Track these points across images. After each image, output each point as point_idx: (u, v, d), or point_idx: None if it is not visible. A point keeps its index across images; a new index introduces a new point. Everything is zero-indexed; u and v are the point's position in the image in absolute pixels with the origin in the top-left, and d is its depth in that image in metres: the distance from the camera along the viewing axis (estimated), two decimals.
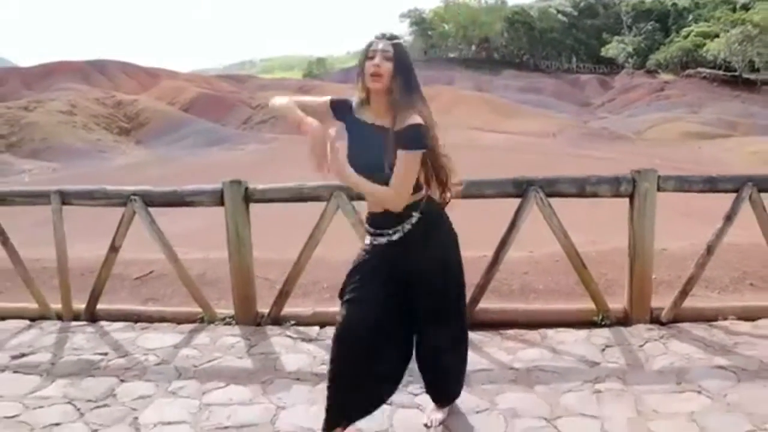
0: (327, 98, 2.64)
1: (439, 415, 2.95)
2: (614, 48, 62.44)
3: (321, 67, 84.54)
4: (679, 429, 2.85)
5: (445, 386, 2.93)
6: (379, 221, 2.60)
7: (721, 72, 47.77)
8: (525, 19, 69.28)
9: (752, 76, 47.13)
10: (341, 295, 2.72)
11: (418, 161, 2.44)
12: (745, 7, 53.52)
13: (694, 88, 44.04)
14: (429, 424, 2.91)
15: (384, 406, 2.91)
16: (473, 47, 74.62)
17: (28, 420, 3.17)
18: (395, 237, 2.57)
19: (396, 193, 2.44)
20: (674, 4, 63.91)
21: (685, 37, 55.26)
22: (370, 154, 2.44)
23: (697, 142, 23.61)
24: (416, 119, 2.39)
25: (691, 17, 60.55)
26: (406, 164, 2.40)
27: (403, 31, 76.31)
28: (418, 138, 2.40)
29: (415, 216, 2.55)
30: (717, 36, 48.94)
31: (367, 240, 2.71)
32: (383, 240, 2.60)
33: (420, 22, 76.26)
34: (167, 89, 38.02)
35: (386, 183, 2.43)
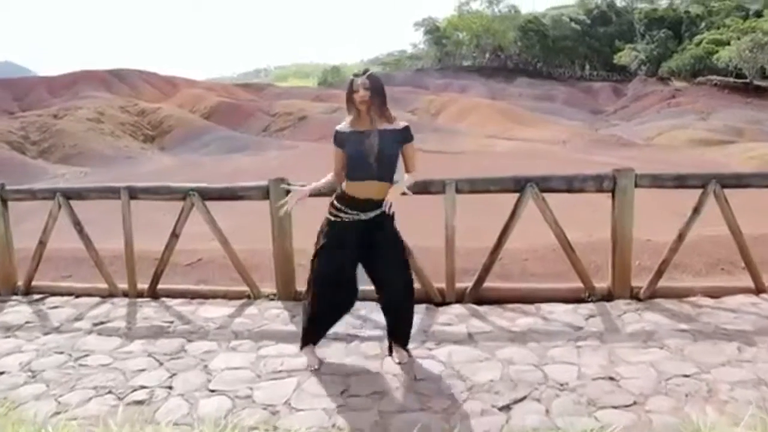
0: (337, 149, 3.69)
1: (405, 354, 3.86)
2: (627, 55, 62.76)
3: (336, 75, 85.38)
4: (640, 372, 3.58)
5: (406, 327, 3.88)
6: (361, 205, 3.57)
7: (732, 79, 48.14)
8: (538, 27, 69.83)
9: (763, 83, 47.43)
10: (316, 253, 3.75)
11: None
12: (758, 14, 53.81)
13: (705, 95, 44.46)
14: (402, 360, 3.81)
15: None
16: (487, 55, 75.22)
17: (120, 367, 3.97)
18: (372, 215, 3.58)
19: (417, 172, 3.73)
20: (687, 12, 64.25)
21: (698, 45, 55.55)
22: (373, 146, 3.52)
23: (702, 148, 24.19)
24: (403, 122, 3.65)
25: (703, 25, 60.81)
26: (414, 149, 3.69)
27: (417, 39, 77.12)
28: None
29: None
30: (728, 44, 49.25)
31: (341, 216, 3.63)
32: (361, 216, 3.58)
33: (434, 31, 77.06)
34: (187, 97, 39.10)
35: (384, 164, 3.55)
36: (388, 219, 3.64)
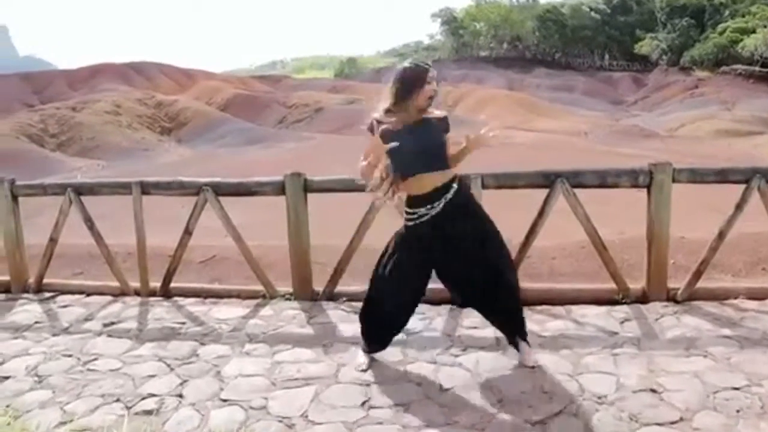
0: (377, 138, 3.27)
1: (534, 354, 3.63)
2: (648, 45, 61.77)
3: (352, 66, 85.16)
4: (684, 383, 3.31)
5: (520, 315, 3.63)
6: (428, 198, 3.31)
7: (757, 68, 47.04)
8: (557, 17, 68.95)
9: None
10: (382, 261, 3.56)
11: None
12: None
13: (729, 84, 43.52)
14: (535, 363, 3.56)
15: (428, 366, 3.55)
16: (505, 46, 74.50)
17: (129, 372, 3.79)
18: (440, 207, 3.31)
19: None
20: (710, 0, 62.94)
21: (721, 34, 54.43)
22: (425, 139, 3.30)
23: (729, 139, 23.56)
24: (439, 111, 3.42)
25: (727, 13, 59.55)
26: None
27: (434, 30, 76.66)
28: None
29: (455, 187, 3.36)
30: (754, 32, 48.15)
31: (410, 222, 3.40)
32: (426, 216, 3.32)
33: (451, 21, 76.46)
34: (204, 89, 39.06)
35: (439, 155, 3.34)
36: (466, 204, 3.43)
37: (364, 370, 3.61)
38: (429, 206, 3.32)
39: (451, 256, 3.42)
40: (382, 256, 3.58)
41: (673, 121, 30.89)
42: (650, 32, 63.63)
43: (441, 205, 3.31)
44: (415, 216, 3.37)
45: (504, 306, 3.57)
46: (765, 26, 47.02)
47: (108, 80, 39.38)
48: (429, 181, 3.32)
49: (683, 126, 28.69)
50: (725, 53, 51.99)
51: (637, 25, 67.02)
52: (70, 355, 4.07)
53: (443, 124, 3.40)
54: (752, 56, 47.85)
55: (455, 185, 3.37)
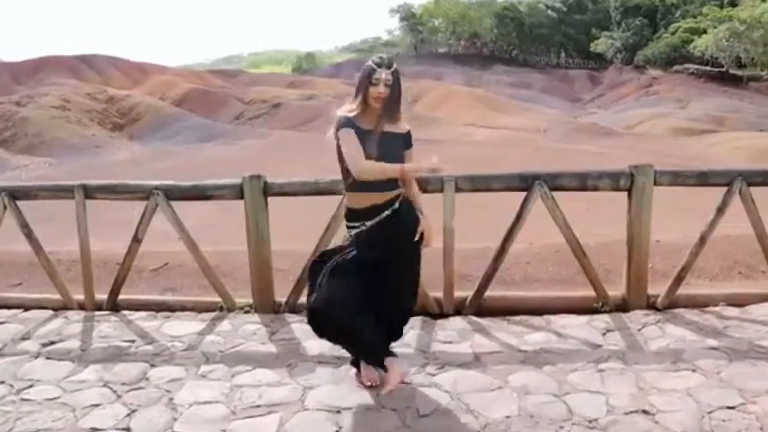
0: (351, 131, 3.02)
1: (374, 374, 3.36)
2: (603, 43, 62.92)
3: (310, 61, 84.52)
4: (677, 403, 3.10)
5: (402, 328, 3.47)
6: (365, 214, 3.11)
7: (708, 68, 48.38)
8: (514, 14, 69.58)
9: (739, 72, 47.88)
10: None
11: None
12: (732, 3, 54.15)
13: (682, 83, 44.60)
14: (370, 383, 3.33)
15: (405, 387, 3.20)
16: (462, 42, 74.90)
17: (69, 401, 3.38)
18: (374, 222, 3.10)
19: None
20: (662, 0, 64.40)
21: (673, 33, 55.80)
22: (377, 153, 3.03)
23: (684, 138, 24.01)
24: (405, 125, 3.19)
25: (679, 13, 61.10)
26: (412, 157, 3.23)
27: (393, 26, 76.61)
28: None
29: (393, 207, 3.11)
30: (704, 32, 49.47)
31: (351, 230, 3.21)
32: (363, 228, 3.12)
33: (410, 18, 76.44)
34: (158, 84, 37.98)
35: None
36: (406, 215, 3.17)
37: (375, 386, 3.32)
38: (363, 223, 3.12)
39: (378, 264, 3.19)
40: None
41: (629, 118, 31.42)
42: (605, 31, 64.83)
43: (375, 221, 3.10)
44: (351, 229, 3.21)
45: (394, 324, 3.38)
46: (715, 27, 48.26)
47: (55, 74, 37.81)
48: (366, 200, 3.10)
49: (640, 123, 29.19)
50: (677, 52, 53.32)
51: (593, 23, 68.23)
52: (2, 382, 3.62)
53: (404, 139, 3.18)
54: (703, 56, 49.13)
55: (397, 204, 3.13)
